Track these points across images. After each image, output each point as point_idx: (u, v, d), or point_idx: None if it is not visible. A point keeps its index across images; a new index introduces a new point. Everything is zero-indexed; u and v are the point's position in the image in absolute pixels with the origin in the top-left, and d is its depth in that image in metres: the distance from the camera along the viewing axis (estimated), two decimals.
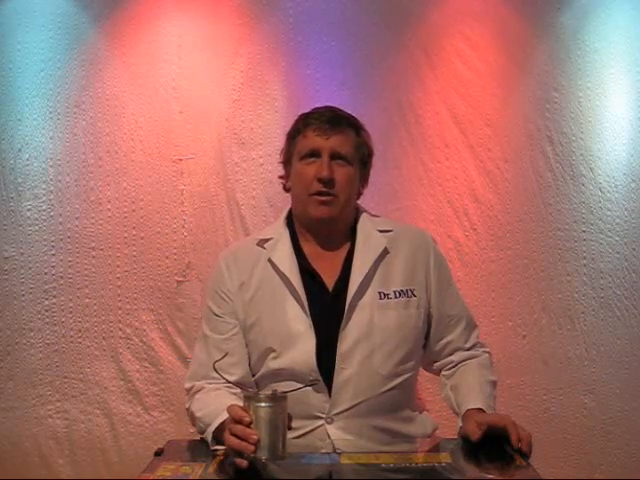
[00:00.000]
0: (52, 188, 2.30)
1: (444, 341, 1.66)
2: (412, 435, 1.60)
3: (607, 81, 2.32)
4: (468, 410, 1.49)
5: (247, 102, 2.33)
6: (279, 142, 2.30)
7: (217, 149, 2.32)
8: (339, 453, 1.42)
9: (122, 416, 2.30)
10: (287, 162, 1.67)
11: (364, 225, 1.65)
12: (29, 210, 2.30)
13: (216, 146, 2.32)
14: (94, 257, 2.31)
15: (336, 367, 1.54)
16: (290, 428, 1.31)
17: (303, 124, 1.62)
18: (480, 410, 1.48)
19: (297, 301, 1.56)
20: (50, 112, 2.31)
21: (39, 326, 2.29)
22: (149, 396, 2.31)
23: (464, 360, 1.66)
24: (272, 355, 1.57)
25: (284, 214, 1.69)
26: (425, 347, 1.67)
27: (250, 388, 1.58)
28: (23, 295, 2.30)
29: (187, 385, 1.62)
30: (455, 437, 1.50)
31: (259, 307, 1.59)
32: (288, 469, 1.31)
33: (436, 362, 1.69)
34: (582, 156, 2.32)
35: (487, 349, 1.71)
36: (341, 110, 1.67)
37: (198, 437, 1.51)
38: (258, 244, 1.64)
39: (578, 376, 2.31)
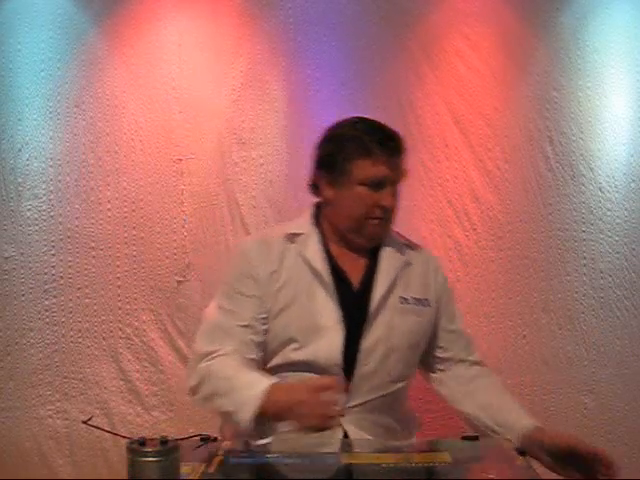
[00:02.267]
0: (52, 188, 2.30)
1: (449, 354, 1.72)
2: (403, 432, 1.67)
3: (607, 81, 2.32)
4: (530, 429, 1.54)
5: (247, 102, 2.33)
6: (279, 142, 2.32)
7: (217, 149, 2.32)
8: (339, 453, 1.42)
9: (122, 416, 2.30)
10: (333, 172, 1.63)
11: (389, 237, 1.70)
12: (29, 210, 2.30)
13: (216, 146, 2.32)
14: (94, 257, 2.30)
15: (358, 362, 1.58)
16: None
17: (368, 145, 1.59)
18: (539, 427, 1.56)
19: (328, 295, 1.59)
20: (50, 112, 2.31)
21: (39, 326, 2.29)
22: (149, 396, 2.31)
23: (476, 376, 1.72)
24: (293, 346, 1.58)
25: (310, 212, 1.70)
26: (429, 358, 1.74)
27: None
28: (23, 295, 2.30)
29: (208, 349, 1.57)
30: (455, 437, 1.50)
31: (287, 297, 1.60)
32: (288, 469, 1.31)
33: (440, 371, 1.73)
34: (582, 156, 2.32)
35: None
36: (396, 131, 1.67)
37: (198, 437, 1.50)
38: (287, 237, 1.65)
39: (578, 376, 2.31)
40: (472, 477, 1.30)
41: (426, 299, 1.67)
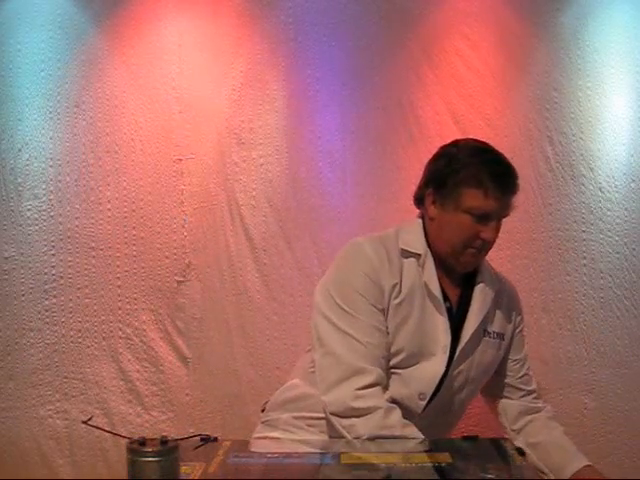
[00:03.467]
0: (52, 188, 2.30)
1: (507, 381, 1.77)
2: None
3: (607, 81, 2.32)
4: (582, 467, 1.60)
5: (247, 102, 2.32)
6: (279, 142, 2.32)
7: (217, 149, 2.32)
8: (339, 453, 1.42)
9: (122, 416, 2.30)
10: (441, 191, 1.61)
11: (484, 264, 1.71)
12: (29, 210, 2.30)
13: (216, 146, 2.32)
14: (94, 257, 2.30)
15: (444, 385, 1.59)
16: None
17: (483, 177, 1.57)
18: (589, 466, 1.61)
19: (443, 323, 1.59)
20: (50, 112, 2.31)
21: (39, 326, 2.29)
22: (149, 396, 2.31)
23: (529, 409, 1.75)
24: (393, 361, 1.58)
25: (421, 229, 1.66)
26: (494, 381, 1.77)
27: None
28: (23, 295, 2.30)
29: (360, 365, 1.52)
30: (455, 437, 1.50)
31: (402, 315, 1.58)
32: (288, 469, 1.31)
33: (496, 397, 1.78)
34: (582, 156, 2.32)
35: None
36: (513, 167, 1.64)
37: (198, 438, 1.50)
38: (403, 252, 1.62)
39: (578, 376, 2.31)
40: (472, 477, 1.30)
41: (504, 334, 1.70)
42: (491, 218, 1.58)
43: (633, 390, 2.31)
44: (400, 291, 1.58)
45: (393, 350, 1.58)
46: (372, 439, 1.48)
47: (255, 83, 2.32)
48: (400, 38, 2.32)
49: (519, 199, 2.28)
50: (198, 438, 1.47)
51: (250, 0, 2.33)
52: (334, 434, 1.55)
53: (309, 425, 1.62)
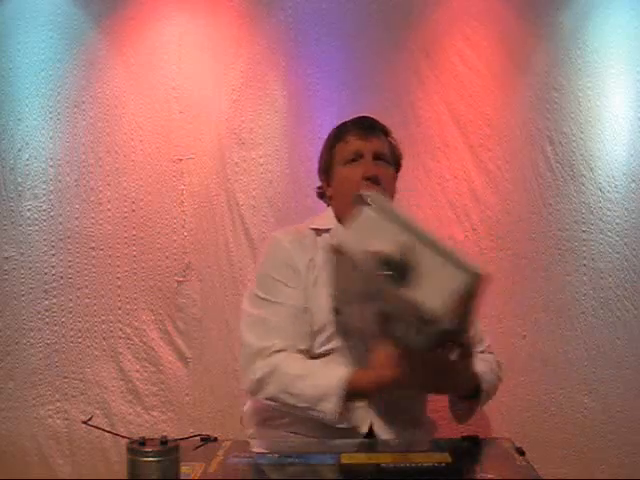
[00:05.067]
0: (52, 188, 2.30)
1: None
2: (422, 434, 1.69)
3: (607, 81, 2.32)
4: None
5: (247, 102, 2.33)
6: (279, 142, 2.33)
7: (217, 149, 2.32)
8: (339, 453, 1.42)
9: (122, 416, 2.30)
10: (327, 171, 1.75)
11: None
12: (29, 210, 2.30)
13: (216, 146, 2.32)
14: (94, 257, 2.30)
15: None
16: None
17: (342, 131, 1.72)
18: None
19: None
20: (50, 112, 2.31)
21: (39, 326, 2.29)
22: (149, 396, 2.31)
23: None
24: (323, 337, 1.60)
25: (331, 212, 1.75)
26: None
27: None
28: (23, 295, 2.30)
29: (263, 344, 1.57)
30: (455, 437, 1.50)
31: (321, 289, 1.61)
32: (288, 469, 1.31)
33: None
34: (582, 156, 2.32)
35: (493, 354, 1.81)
36: (372, 117, 1.78)
37: (198, 438, 1.50)
38: (315, 231, 1.71)
39: (578, 376, 2.31)
40: (472, 477, 1.30)
41: None
42: (364, 155, 1.67)
43: (633, 390, 2.31)
44: (315, 265, 1.64)
45: (318, 327, 1.60)
46: (292, 389, 1.50)
47: (255, 83, 2.32)
48: (400, 38, 2.32)
49: (519, 199, 2.32)
50: (198, 438, 1.47)
51: (250, 0, 2.33)
52: (316, 428, 1.56)
53: (298, 426, 1.62)
